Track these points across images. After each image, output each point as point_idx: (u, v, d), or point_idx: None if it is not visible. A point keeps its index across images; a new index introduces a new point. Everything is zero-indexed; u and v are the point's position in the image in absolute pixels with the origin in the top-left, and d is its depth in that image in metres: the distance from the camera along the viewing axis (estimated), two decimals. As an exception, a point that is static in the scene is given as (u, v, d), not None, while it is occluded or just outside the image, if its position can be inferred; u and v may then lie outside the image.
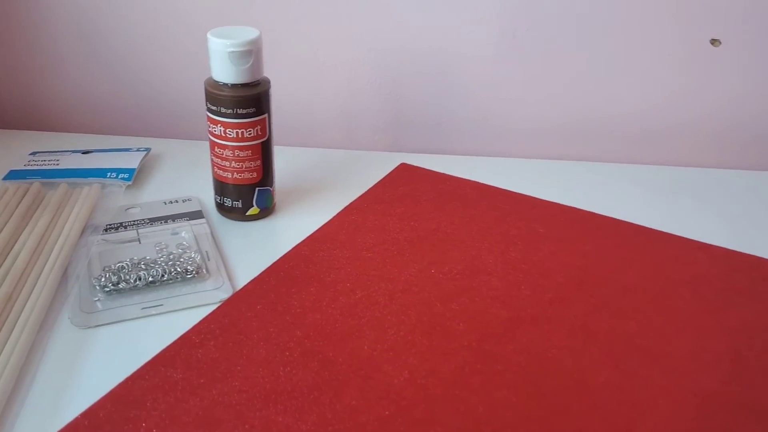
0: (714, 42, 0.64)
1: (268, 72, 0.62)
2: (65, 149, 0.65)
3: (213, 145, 0.53)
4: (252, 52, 0.49)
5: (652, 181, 0.63)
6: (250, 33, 0.50)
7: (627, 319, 0.44)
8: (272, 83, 0.69)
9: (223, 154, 0.52)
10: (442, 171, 0.62)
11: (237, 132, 0.51)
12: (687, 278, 0.48)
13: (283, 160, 0.65)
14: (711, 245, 0.52)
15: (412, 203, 0.57)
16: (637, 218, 0.56)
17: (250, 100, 0.50)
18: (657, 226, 0.55)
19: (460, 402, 0.38)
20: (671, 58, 0.65)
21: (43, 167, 0.61)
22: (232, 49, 0.49)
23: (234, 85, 0.50)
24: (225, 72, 0.50)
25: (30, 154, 0.64)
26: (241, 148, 0.52)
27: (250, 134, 0.51)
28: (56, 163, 0.62)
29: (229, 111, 0.50)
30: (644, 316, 0.44)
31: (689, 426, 0.37)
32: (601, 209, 0.57)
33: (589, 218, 0.55)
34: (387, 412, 0.37)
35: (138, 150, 0.64)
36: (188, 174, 0.63)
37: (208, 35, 0.49)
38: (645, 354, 0.41)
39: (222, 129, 0.51)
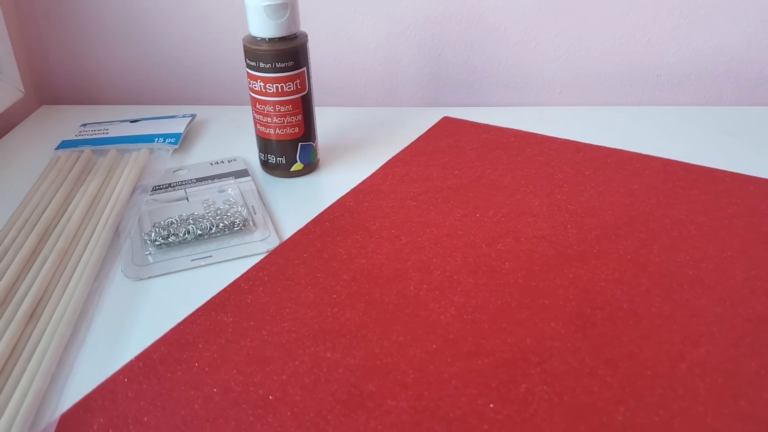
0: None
1: (308, 33, 0.62)
2: (114, 119, 0.67)
3: (254, 101, 0.53)
4: (287, 5, 0.50)
5: (700, 121, 0.61)
6: (286, -13, 0.50)
7: (678, 252, 0.43)
8: (313, 45, 0.69)
9: (264, 110, 0.53)
10: (485, 123, 0.61)
11: (277, 86, 0.51)
12: (741, 211, 0.47)
13: (325, 118, 0.65)
14: (764, 179, 0.50)
15: (455, 153, 0.57)
16: (686, 159, 0.55)
17: (288, 53, 0.51)
18: (707, 165, 0.53)
19: (507, 334, 0.37)
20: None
21: (94, 136, 0.62)
22: (268, 3, 0.49)
23: (271, 39, 0.50)
24: (262, 26, 0.50)
25: (81, 126, 0.65)
26: (282, 103, 0.52)
27: (290, 88, 0.52)
28: (106, 132, 0.63)
29: (268, 65, 0.51)
30: (696, 248, 0.43)
31: (743, 351, 0.36)
32: (648, 152, 0.56)
33: (636, 159, 0.54)
34: (434, 346, 0.37)
35: (184, 116, 0.65)
36: (233, 136, 0.63)
37: (244, -9, 0.50)
38: (697, 283, 0.40)
39: (262, 84, 0.52)
